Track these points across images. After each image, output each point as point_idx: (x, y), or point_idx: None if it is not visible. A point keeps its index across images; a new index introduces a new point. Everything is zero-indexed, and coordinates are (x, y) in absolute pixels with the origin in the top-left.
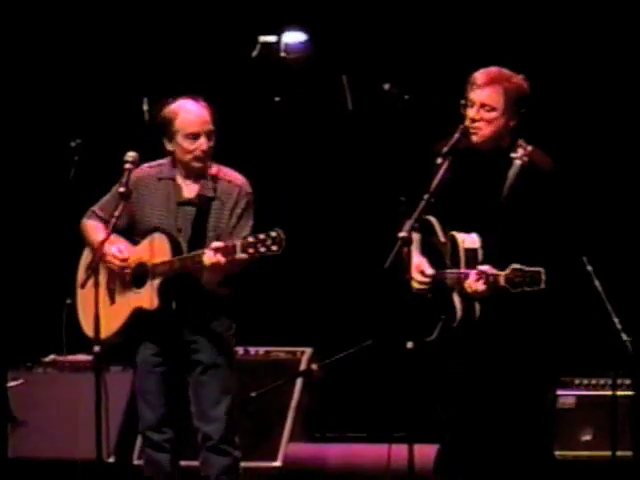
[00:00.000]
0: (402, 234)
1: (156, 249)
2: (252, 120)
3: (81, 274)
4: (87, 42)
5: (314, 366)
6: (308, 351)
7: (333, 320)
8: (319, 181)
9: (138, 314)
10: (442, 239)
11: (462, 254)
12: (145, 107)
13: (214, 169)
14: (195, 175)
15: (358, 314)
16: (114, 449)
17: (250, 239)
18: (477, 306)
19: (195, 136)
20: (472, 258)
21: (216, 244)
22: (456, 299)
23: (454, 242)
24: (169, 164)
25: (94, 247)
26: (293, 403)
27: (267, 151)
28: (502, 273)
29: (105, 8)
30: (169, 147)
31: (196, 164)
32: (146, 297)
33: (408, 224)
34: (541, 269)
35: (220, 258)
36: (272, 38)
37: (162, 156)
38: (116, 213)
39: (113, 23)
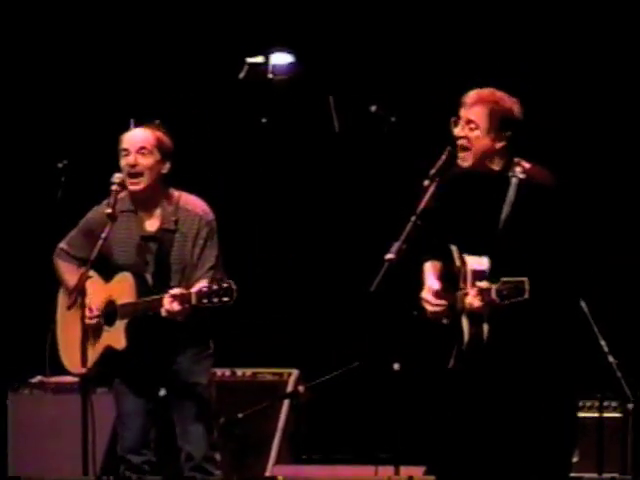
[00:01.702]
0: (389, 256)
1: (123, 289)
2: (239, 141)
3: (61, 312)
4: (74, 63)
5: (301, 388)
6: (295, 373)
7: (320, 342)
8: (306, 202)
9: (110, 352)
10: (457, 264)
11: (469, 275)
12: (132, 128)
13: (175, 197)
14: (150, 204)
15: (345, 336)
16: (100, 470)
17: (204, 289)
18: (485, 327)
19: (126, 152)
20: (479, 279)
21: (173, 291)
22: (464, 321)
23: (464, 265)
24: (128, 196)
25: (70, 286)
26: (280, 425)
27: (254, 172)
28: (493, 286)
29: (93, 29)
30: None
31: (131, 186)
32: (115, 336)
33: (395, 246)
34: (524, 279)
35: (176, 306)
36: (259, 59)
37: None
38: (103, 235)
39: (101, 45)
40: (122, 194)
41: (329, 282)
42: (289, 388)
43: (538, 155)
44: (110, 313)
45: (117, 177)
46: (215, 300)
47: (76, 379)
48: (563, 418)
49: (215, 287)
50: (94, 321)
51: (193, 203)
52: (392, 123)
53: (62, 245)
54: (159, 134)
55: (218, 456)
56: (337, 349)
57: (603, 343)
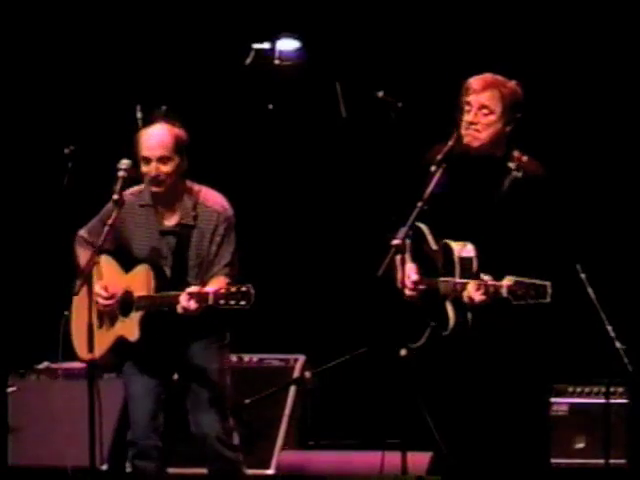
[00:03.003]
0: (395, 242)
1: (141, 281)
2: (245, 127)
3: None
4: (81, 49)
5: (307, 374)
6: (301, 359)
7: (326, 328)
8: (312, 188)
9: (121, 342)
10: (433, 247)
11: (457, 263)
12: (139, 115)
13: (195, 190)
14: (167, 202)
15: (351, 322)
16: (107, 457)
17: (222, 291)
18: (470, 315)
19: (146, 160)
20: (467, 267)
21: (191, 289)
22: (449, 307)
23: (448, 250)
24: (148, 190)
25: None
26: (286, 411)
27: (260, 158)
28: (504, 284)
29: (100, 15)
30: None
31: (153, 188)
32: (129, 327)
33: (402, 232)
34: (547, 283)
35: (193, 305)
36: (266, 45)
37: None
38: (109, 221)
39: (108, 31)
40: (139, 187)
41: (336, 267)
42: (296, 374)
43: (531, 145)
44: (126, 303)
45: (124, 163)
46: (232, 303)
47: (83, 365)
48: (536, 407)
49: (233, 290)
50: (108, 302)
51: (213, 199)
52: (399, 109)
53: (81, 232)
54: (176, 132)
55: (236, 439)
56: (344, 335)
57: (610, 328)
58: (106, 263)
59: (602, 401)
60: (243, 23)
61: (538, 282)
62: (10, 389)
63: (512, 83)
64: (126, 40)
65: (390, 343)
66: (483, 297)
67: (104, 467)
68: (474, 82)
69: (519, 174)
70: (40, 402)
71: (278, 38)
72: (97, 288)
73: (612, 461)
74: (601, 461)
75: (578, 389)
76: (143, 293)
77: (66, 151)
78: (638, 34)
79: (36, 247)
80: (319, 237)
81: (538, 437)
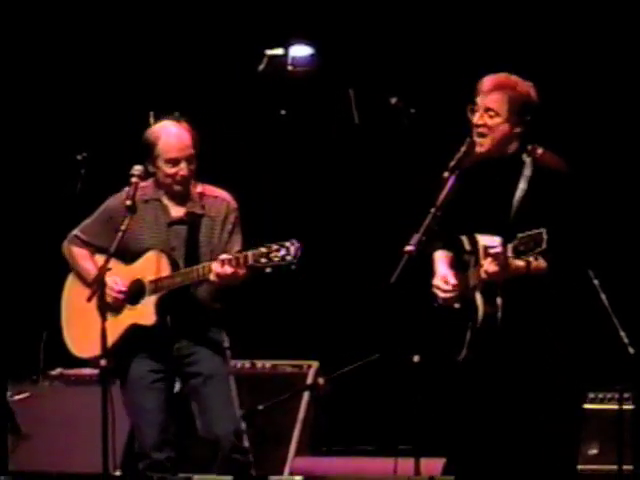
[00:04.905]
0: (408, 248)
1: (154, 266)
2: (258, 133)
3: (68, 297)
4: (94, 55)
5: (320, 380)
6: (315, 365)
7: (339, 334)
8: (325, 194)
9: (132, 330)
10: (467, 248)
11: (482, 252)
12: (151, 121)
13: (199, 188)
14: (180, 196)
15: (365, 328)
16: (120, 462)
17: (262, 249)
18: (499, 301)
19: (175, 161)
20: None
21: (223, 256)
22: (478, 297)
23: (474, 243)
24: (152, 185)
25: (87, 272)
26: (300, 417)
27: (273, 164)
28: (509, 245)
29: (113, 23)
30: (150, 169)
31: (177, 188)
32: (142, 313)
33: (415, 238)
34: (542, 229)
35: (228, 269)
36: (279, 51)
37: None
38: (122, 227)
39: (120, 37)
40: (145, 182)
41: (349, 274)
42: (309, 380)
43: (550, 141)
44: (135, 293)
45: (137, 169)
46: (276, 259)
47: (96, 371)
48: (572, 405)
49: (274, 246)
50: (120, 296)
51: (219, 192)
52: (412, 115)
53: (75, 232)
54: (188, 128)
55: (247, 443)
56: (357, 341)
57: (623, 334)
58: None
59: (615, 407)
60: (256, 29)
61: (532, 232)
62: (22, 395)
63: (525, 85)
64: (139, 47)
65: (407, 350)
66: (496, 267)
67: (117, 473)
68: (485, 82)
69: (536, 163)
70: (53, 408)
71: (291, 44)
72: (110, 281)
73: (625, 467)
74: (614, 467)
75: (591, 395)
76: (158, 276)
77: (79, 158)
78: None
79: (49, 253)
80: (332, 243)
81: (569, 441)
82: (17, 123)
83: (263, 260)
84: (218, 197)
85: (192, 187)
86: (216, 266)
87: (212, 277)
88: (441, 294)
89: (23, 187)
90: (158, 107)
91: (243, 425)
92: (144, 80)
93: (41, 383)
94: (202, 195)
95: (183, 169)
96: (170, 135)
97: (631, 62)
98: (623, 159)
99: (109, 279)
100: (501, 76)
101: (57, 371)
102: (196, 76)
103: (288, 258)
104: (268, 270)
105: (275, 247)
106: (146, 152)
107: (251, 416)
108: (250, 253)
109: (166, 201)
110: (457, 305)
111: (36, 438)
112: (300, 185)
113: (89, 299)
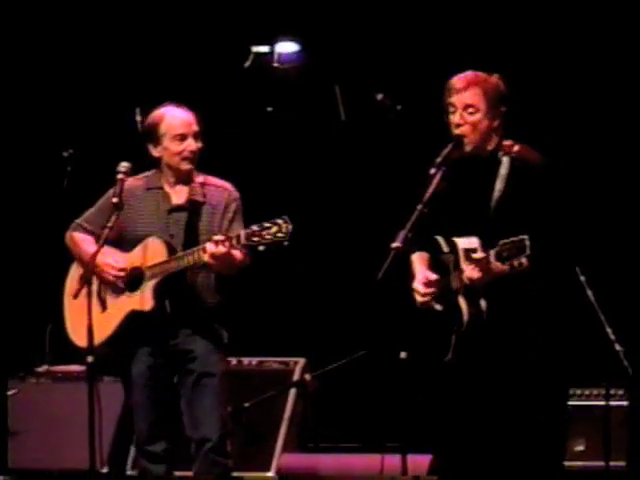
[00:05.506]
0: (395, 244)
1: (151, 252)
2: (245, 130)
3: (70, 285)
4: (80, 52)
5: (307, 376)
6: (301, 361)
7: (326, 330)
8: (312, 191)
9: (132, 318)
10: (445, 250)
11: (461, 255)
12: (138, 117)
13: (200, 177)
14: (183, 182)
15: (351, 324)
16: (107, 459)
17: (255, 227)
18: (483, 303)
19: (182, 137)
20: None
21: (217, 237)
22: (461, 302)
23: (454, 246)
24: (155, 174)
25: (85, 259)
26: (286, 413)
27: (259, 161)
28: (491, 252)
29: (99, 18)
30: (155, 153)
31: (185, 165)
32: (141, 299)
33: (401, 234)
34: (524, 236)
35: (222, 249)
36: (265, 48)
37: (155, 166)
38: (109, 224)
39: (106, 33)
40: (148, 172)
41: (335, 270)
42: (295, 377)
43: (526, 136)
44: (134, 279)
45: (123, 166)
46: (268, 237)
47: (83, 367)
48: (558, 402)
49: (266, 224)
50: (119, 273)
51: (220, 181)
52: (398, 112)
53: (79, 221)
54: (195, 113)
55: (229, 447)
56: (344, 338)
57: (609, 331)
58: (107, 250)
59: (602, 404)
60: (242, 26)
61: (515, 238)
62: (10, 392)
63: (494, 77)
64: (125, 42)
65: (394, 347)
66: (479, 274)
67: (104, 470)
68: (456, 82)
69: (513, 158)
70: (40, 405)
71: (277, 41)
72: (109, 259)
73: (612, 463)
74: (601, 463)
75: (578, 392)
76: (157, 261)
77: (65, 154)
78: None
79: (35, 250)
80: (318, 240)
81: (556, 438)
82: (3, 120)
83: (256, 239)
84: (220, 186)
85: (194, 176)
86: (210, 246)
87: (206, 258)
88: (419, 298)
89: (10, 184)
90: (144, 103)
91: (229, 427)
92: (131, 76)
93: (28, 380)
94: (204, 184)
95: (191, 144)
96: (174, 112)
97: (613, 55)
98: (606, 152)
99: (109, 258)
100: (469, 73)
101: (44, 368)
102: (182, 73)
103: (280, 235)
104: (261, 248)
105: (267, 225)
106: (149, 136)
107: (238, 413)
108: (243, 232)
109: (168, 189)
110: (438, 307)
111: (23, 435)
112: (287, 182)
113: (75, 295)
